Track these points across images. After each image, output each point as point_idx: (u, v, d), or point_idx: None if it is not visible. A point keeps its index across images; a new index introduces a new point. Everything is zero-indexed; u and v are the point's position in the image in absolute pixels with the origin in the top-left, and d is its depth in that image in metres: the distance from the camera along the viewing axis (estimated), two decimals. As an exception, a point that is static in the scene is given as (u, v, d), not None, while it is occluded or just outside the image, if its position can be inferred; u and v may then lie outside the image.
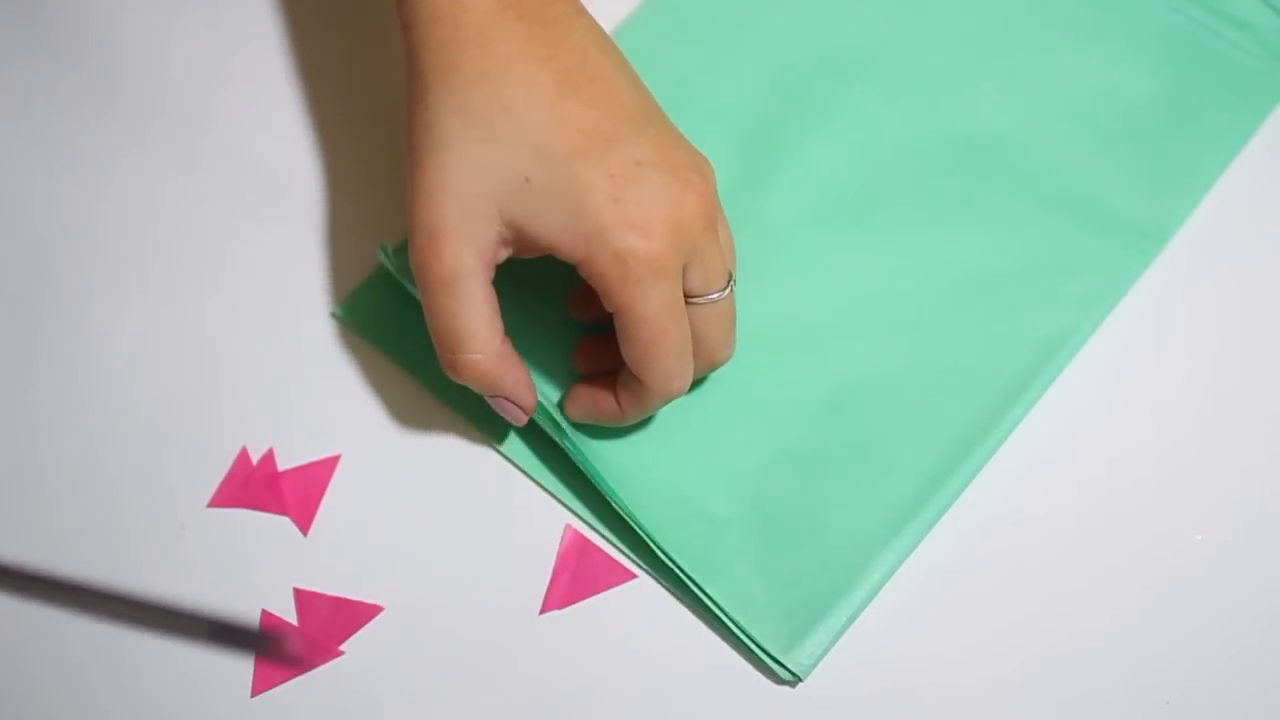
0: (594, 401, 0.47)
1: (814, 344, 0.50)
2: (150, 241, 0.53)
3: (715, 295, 0.44)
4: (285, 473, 0.49)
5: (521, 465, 0.49)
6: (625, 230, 0.41)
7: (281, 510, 0.48)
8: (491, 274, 0.44)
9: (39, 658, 0.46)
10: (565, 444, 0.47)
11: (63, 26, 0.56)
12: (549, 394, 0.50)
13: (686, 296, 0.44)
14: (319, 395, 0.50)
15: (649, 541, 0.47)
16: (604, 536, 0.48)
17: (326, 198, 0.53)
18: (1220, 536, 0.48)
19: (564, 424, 0.49)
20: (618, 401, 0.47)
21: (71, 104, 0.55)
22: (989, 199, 0.52)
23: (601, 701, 0.46)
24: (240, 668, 0.46)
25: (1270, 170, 0.53)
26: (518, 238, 0.43)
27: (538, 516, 0.48)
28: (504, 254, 0.44)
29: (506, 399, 0.45)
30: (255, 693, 0.46)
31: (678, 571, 0.47)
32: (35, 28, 0.56)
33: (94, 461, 0.49)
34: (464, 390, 0.49)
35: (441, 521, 0.48)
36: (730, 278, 0.45)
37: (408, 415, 0.50)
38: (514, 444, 0.49)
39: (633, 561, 0.48)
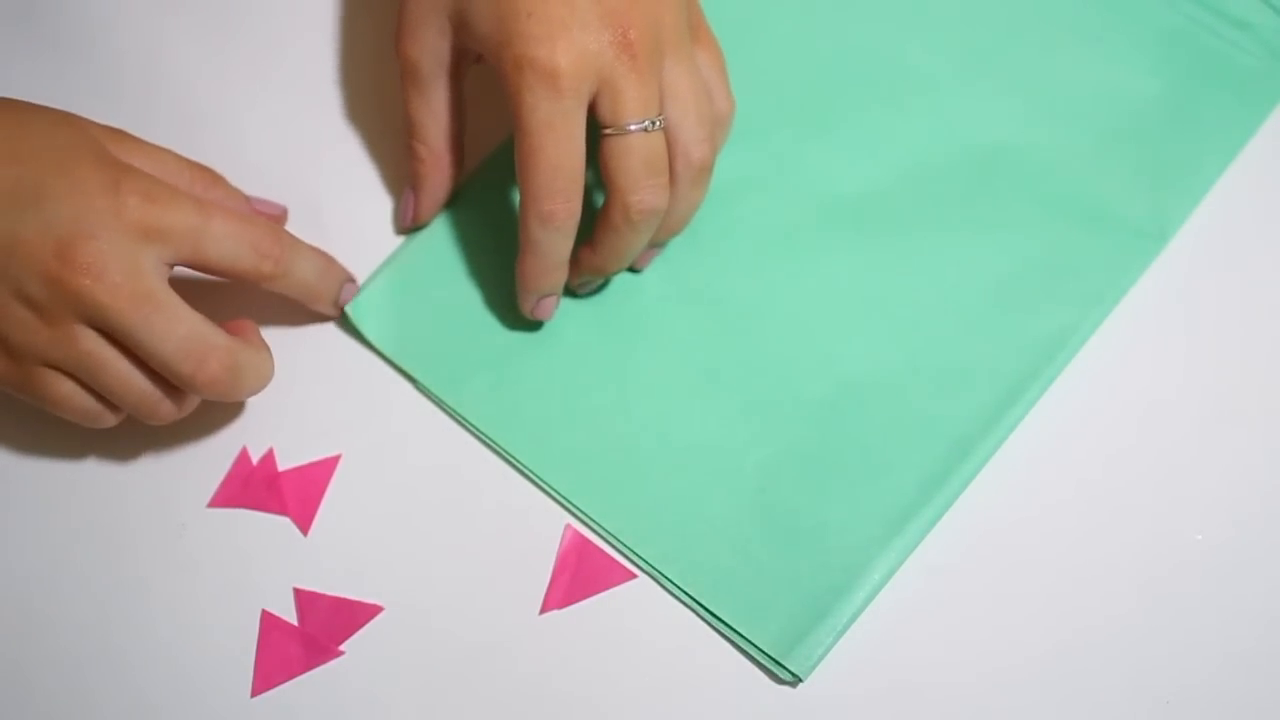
0: (586, 263, 0.49)
1: (814, 344, 0.50)
2: (150, 241, 0.52)
3: (632, 128, 0.45)
4: (285, 473, 0.49)
5: (522, 465, 0.49)
6: (528, 40, 0.44)
7: (281, 510, 0.48)
8: (451, 79, 0.49)
9: (39, 658, 0.46)
10: (552, 475, 0.48)
11: (64, 27, 0.56)
12: (550, 414, 0.50)
13: (600, 126, 0.45)
14: (319, 395, 0.50)
15: (648, 543, 0.47)
16: (603, 537, 0.48)
17: (327, 198, 0.53)
18: (1220, 536, 0.48)
19: (562, 428, 0.49)
20: (593, 247, 0.48)
21: (72, 104, 0.55)
22: (989, 199, 0.52)
23: (601, 701, 0.46)
24: (240, 668, 0.46)
25: (1270, 170, 0.53)
26: (462, 43, 0.47)
27: (538, 516, 0.48)
28: (464, 64, 0.49)
29: (415, 195, 0.51)
30: (255, 693, 0.46)
31: (677, 573, 0.47)
32: (36, 28, 0.56)
33: (94, 461, 0.49)
34: (464, 390, 0.49)
35: (441, 521, 0.48)
36: (652, 120, 0.45)
37: (408, 415, 0.50)
38: (515, 444, 0.49)
39: (632, 561, 0.48)
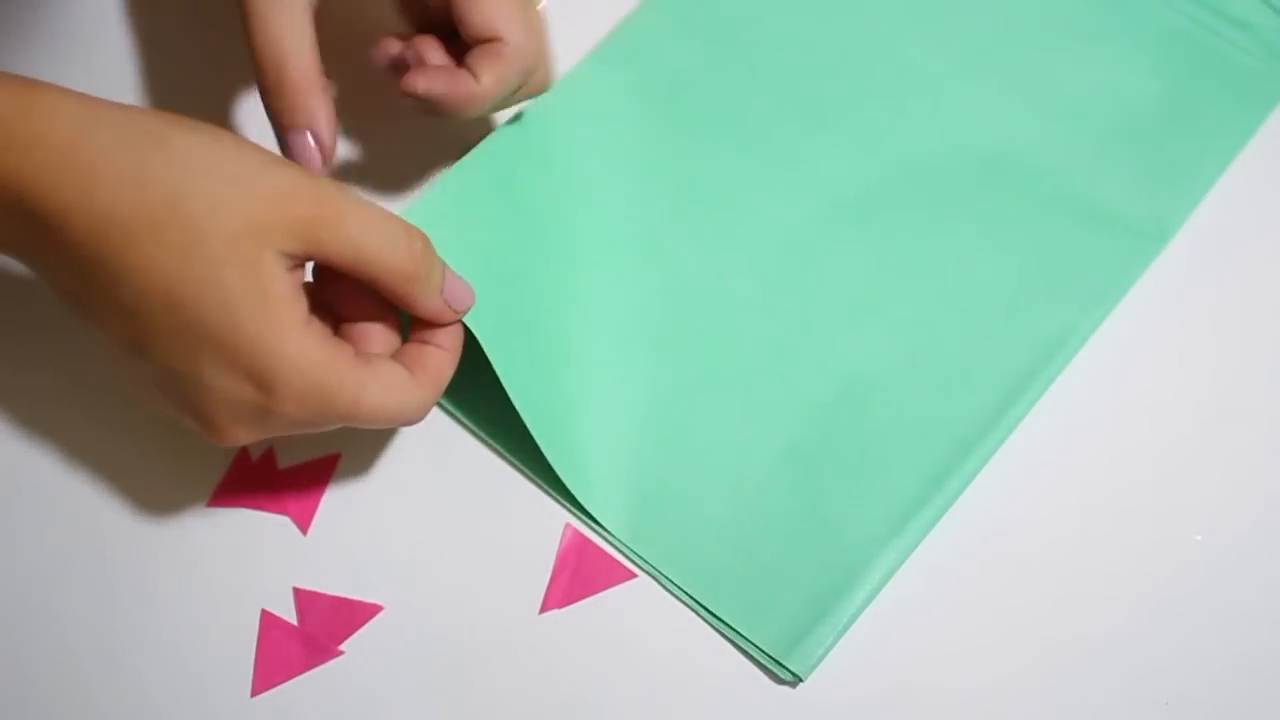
0: (451, 80, 0.46)
1: (815, 344, 0.50)
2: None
3: None
4: (284, 471, 0.49)
5: (521, 465, 0.49)
6: None
7: (281, 510, 0.48)
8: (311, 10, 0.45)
9: (39, 657, 0.46)
10: (559, 461, 0.47)
11: (64, 26, 0.56)
12: (546, 412, 0.49)
13: None
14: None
15: (649, 543, 0.47)
16: (603, 536, 0.48)
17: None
18: (1220, 537, 0.48)
19: (563, 425, 0.49)
20: (476, 76, 0.46)
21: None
22: (989, 199, 0.52)
23: (601, 701, 0.46)
24: (240, 668, 0.46)
25: (1270, 170, 0.53)
26: None
27: (538, 516, 0.48)
28: None
29: (309, 131, 0.45)
30: (255, 693, 0.46)
31: (677, 573, 0.47)
32: (36, 27, 0.56)
33: (94, 460, 0.49)
34: (464, 389, 0.49)
35: (441, 521, 0.48)
36: None
37: (408, 415, 0.50)
38: (514, 443, 0.49)
39: (632, 561, 0.48)
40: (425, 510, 0.48)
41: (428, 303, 0.43)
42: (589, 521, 0.48)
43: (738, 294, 0.51)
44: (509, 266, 0.49)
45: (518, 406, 0.46)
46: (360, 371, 0.41)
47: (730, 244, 0.52)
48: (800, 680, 0.46)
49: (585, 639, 0.47)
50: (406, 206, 0.49)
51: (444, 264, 0.43)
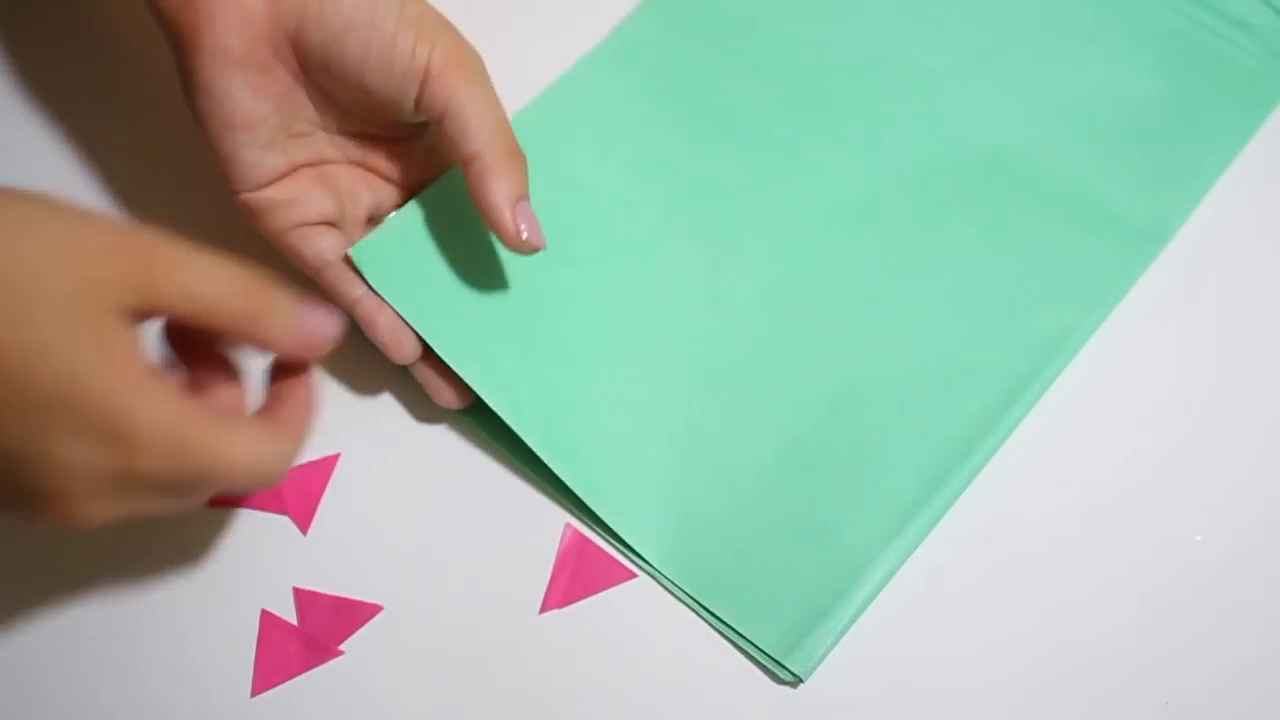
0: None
1: (815, 343, 0.50)
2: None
3: None
4: (284, 472, 0.49)
5: (521, 465, 0.49)
6: None
7: (281, 510, 0.48)
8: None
9: (39, 658, 0.46)
10: (558, 463, 0.47)
11: (63, 26, 0.56)
12: (548, 416, 0.49)
13: None
14: (318, 394, 0.50)
15: (649, 543, 0.47)
16: (603, 537, 0.48)
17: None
18: (1220, 537, 0.48)
19: (559, 427, 0.49)
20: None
21: (71, 105, 0.55)
22: (990, 199, 0.52)
23: (601, 701, 0.46)
24: (240, 668, 0.46)
25: (1270, 170, 0.53)
26: None
27: (538, 516, 0.48)
28: None
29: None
30: (255, 693, 0.46)
31: (677, 573, 0.47)
32: (36, 26, 0.56)
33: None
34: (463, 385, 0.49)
35: (441, 521, 0.48)
36: None
37: (407, 415, 0.50)
38: (514, 444, 0.49)
39: (632, 561, 0.48)
40: (425, 510, 0.48)
41: (276, 340, 0.40)
42: (589, 522, 0.48)
43: (737, 294, 0.51)
44: (503, 261, 0.49)
45: (501, 413, 0.47)
46: (218, 424, 0.39)
47: (730, 243, 0.52)
48: (801, 681, 0.46)
49: (585, 639, 0.47)
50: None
51: (291, 299, 0.41)
